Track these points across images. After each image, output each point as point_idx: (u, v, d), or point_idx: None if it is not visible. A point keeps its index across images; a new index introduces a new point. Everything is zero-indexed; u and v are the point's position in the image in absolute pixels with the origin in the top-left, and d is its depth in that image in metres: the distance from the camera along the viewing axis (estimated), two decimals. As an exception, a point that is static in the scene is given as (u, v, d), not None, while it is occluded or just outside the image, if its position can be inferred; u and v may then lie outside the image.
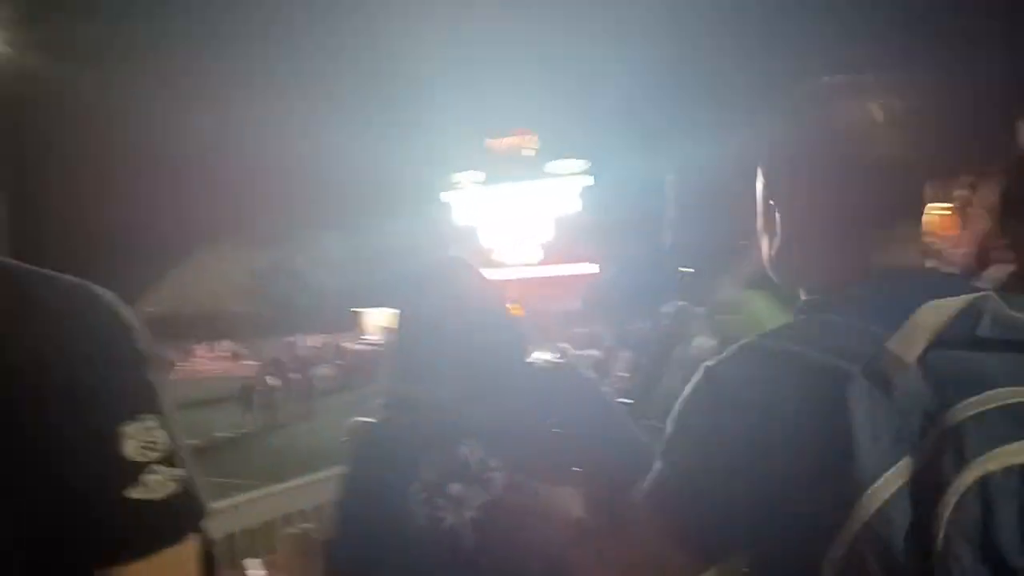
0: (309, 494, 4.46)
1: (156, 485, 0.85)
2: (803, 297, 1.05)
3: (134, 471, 0.85)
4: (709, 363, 0.94)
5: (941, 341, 0.81)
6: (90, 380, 0.85)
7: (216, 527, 3.64)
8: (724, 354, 0.95)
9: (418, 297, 1.59)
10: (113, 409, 0.85)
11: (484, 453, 1.37)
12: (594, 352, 20.30)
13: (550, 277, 38.93)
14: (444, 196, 44.49)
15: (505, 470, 1.37)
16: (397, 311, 1.62)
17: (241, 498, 4.07)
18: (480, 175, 42.10)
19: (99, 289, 0.94)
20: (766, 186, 1.09)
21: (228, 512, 3.90)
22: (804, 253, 1.04)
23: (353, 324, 39.84)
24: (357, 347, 31.67)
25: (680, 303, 3.10)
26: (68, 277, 0.94)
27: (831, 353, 0.85)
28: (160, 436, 0.88)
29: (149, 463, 0.86)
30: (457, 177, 43.75)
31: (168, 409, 0.92)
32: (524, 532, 1.25)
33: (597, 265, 38.78)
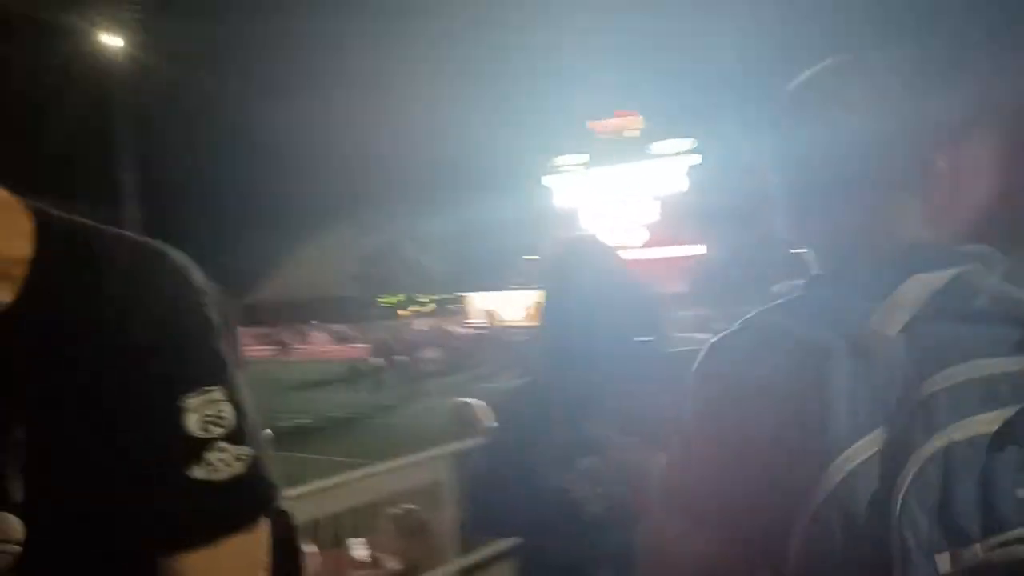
0: (414, 474, 4.48)
1: (221, 464, 0.76)
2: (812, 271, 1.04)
3: (197, 448, 0.75)
4: (713, 338, 0.97)
5: (927, 314, 0.81)
6: (153, 345, 0.75)
7: (320, 507, 3.68)
8: (728, 328, 0.97)
9: (562, 276, 1.61)
10: (176, 378, 0.76)
11: (615, 431, 1.40)
12: (700, 336, 19.76)
13: (655, 259, 38.23)
14: (546, 180, 44.45)
15: (634, 449, 1.38)
16: (542, 290, 1.63)
17: (346, 477, 4.09)
18: (583, 158, 41.76)
19: (168, 248, 0.86)
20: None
21: (332, 491, 3.93)
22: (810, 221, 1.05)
23: (458, 308, 40.46)
24: (461, 331, 32.19)
25: (793, 282, 2.94)
26: (135, 236, 0.86)
27: (820, 327, 0.86)
28: (227, 410, 0.78)
29: (213, 439, 0.76)
30: (560, 160, 43.59)
31: (238, 382, 0.82)
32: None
33: (704, 246, 37.81)
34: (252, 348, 40.91)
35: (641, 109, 40.79)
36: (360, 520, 3.96)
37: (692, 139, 38.93)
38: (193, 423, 0.76)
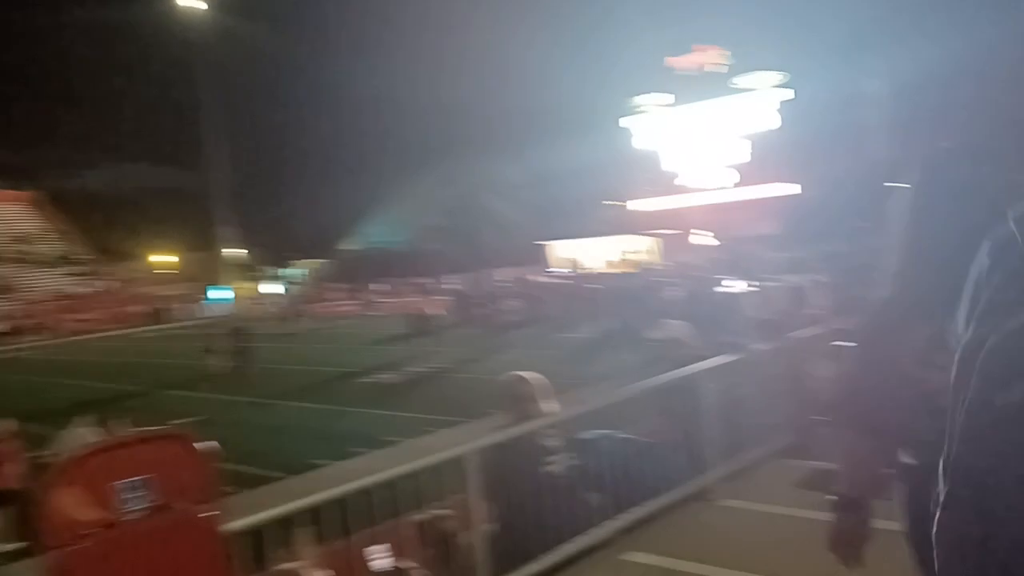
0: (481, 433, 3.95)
1: None
2: None
3: None
4: None
5: None
6: None
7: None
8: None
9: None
10: None
11: None
12: (792, 278, 18.80)
13: (746, 200, 36.62)
14: (624, 121, 43.06)
15: None
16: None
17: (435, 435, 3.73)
18: (665, 97, 40.16)
19: None
20: None
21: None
22: None
23: (538, 257, 39.99)
24: (542, 280, 31.74)
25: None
26: None
27: None
28: None
29: None
30: (639, 100, 42.06)
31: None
32: None
33: (799, 185, 35.93)
34: (339, 303, 41.77)
35: (725, 43, 38.69)
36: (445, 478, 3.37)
37: (782, 72, 36.72)
38: None
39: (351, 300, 39.76)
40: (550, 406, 3.60)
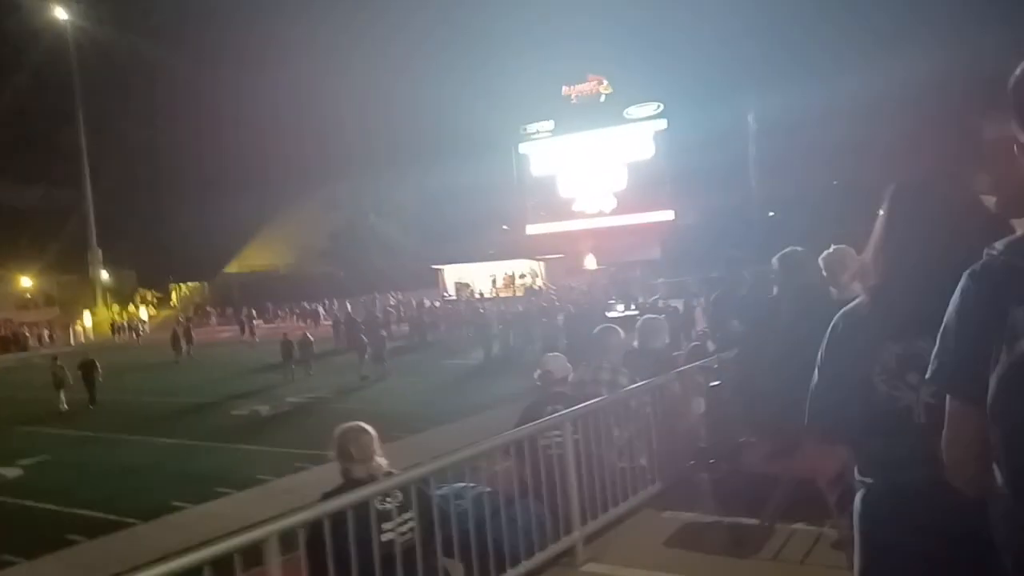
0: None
1: None
2: None
3: None
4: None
5: None
6: None
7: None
8: None
9: (912, 202, 1.70)
10: None
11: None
12: (673, 303, 19.37)
13: (631, 226, 37.67)
14: (523, 147, 43.55)
15: None
16: (886, 215, 1.70)
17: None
18: (560, 124, 41.08)
19: None
20: None
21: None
22: None
23: (431, 281, 39.56)
24: (432, 304, 31.46)
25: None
26: None
27: None
28: None
29: None
30: (534, 127, 42.70)
31: None
32: None
33: (672, 212, 37.28)
34: (219, 328, 39.95)
35: (613, 74, 39.94)
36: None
37: (659, 103, 38.23)
38: None
39: (231, 325, 38.12)
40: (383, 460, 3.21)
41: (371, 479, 3.10)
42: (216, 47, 50.16)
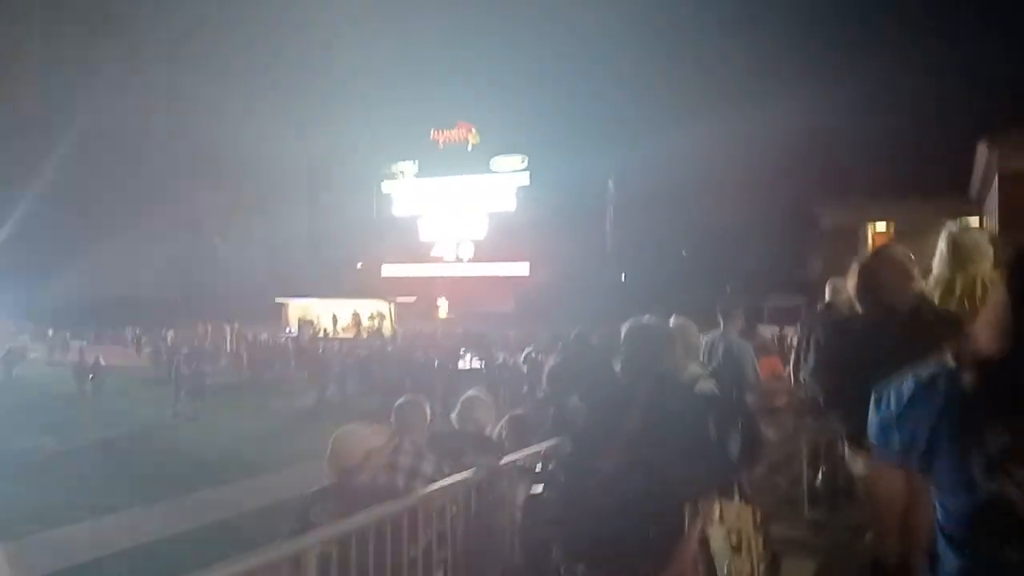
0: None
1: None
2: None
3: None
4: None
5: None
6: None
7: None
8: None
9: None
10: None
11: None
12: (520, 359, 18.80)
13: (486, 276, 37.51)
14: (386, 186, 42.60)
15: None
16: (1012, 283, 1.46)
17: None
18: (424, 166, 40.82)
19: None
20: None
21: None
22: None
23: (275, 315, 37.22)
24: (267, 339, 29.28)
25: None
26: None
27: None
28: None
29: None
30: (398, 167, 42.02)
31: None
32: None
33: (528, 265, 37.52)
34: (27, 350, 35.70)
35: (480, 121, 40.20)
36: None
37: (524, 156, 38.78)
38: None
39: (41, 347, 34.09)
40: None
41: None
42: (53, 51, 46.42)
